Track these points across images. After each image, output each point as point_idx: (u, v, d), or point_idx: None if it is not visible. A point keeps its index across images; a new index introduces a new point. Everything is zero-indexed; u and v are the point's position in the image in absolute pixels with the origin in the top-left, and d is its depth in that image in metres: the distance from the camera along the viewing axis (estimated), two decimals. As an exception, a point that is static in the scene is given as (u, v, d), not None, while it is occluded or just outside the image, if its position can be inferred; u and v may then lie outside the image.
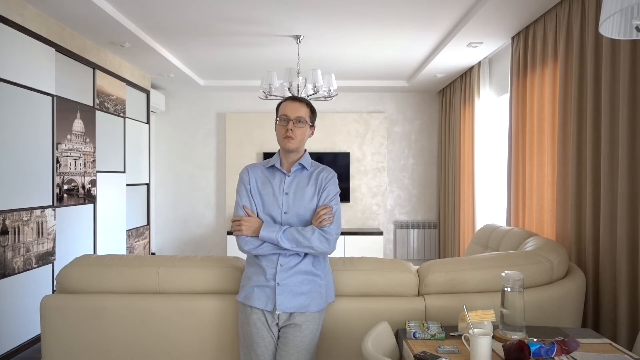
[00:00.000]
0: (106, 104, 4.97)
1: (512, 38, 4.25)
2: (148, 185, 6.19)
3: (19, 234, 3.55)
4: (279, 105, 2.09)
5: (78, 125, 4.40)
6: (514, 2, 3.46)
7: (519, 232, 3.28)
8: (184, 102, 7.11)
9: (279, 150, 2.11)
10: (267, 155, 6.66)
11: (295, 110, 2.02)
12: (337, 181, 2.09)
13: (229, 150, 6.98)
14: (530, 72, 3.83)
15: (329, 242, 1.97)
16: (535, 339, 1.71)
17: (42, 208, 3.84)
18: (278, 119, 2.05)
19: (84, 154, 4.49)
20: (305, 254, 2.00)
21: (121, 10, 3.91)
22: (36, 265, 3.76)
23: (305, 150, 2.13)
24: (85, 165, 4.51)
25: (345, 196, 6.90)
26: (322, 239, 1.95)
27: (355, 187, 6.99)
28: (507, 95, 4.43)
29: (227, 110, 7.11)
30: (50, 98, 3.94)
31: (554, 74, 3.47)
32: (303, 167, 2.08)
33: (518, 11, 3.64)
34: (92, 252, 4.69)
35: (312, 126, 2.10)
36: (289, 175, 2.06)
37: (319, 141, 6.92)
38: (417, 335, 1.89)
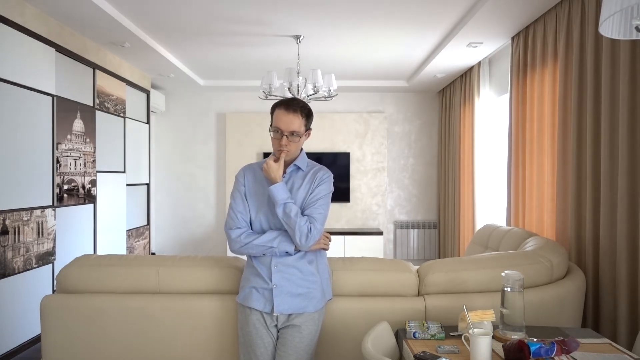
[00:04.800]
0: (106, 104, 4.97)
1: (512, 38, 4.26)
2: (148, 185, 6.20)
3: (19, 234, 3.55)
4: (273, 108, 2.02)
5: (78, 125, 4.40)
6: (514, 2, 3.46)
7: (519, 232, 3.28)
8: (184, 102, 7.11)
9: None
10: (267, 156, 6.64)
11: (289, 124, 1.95)
12: (332, 182, 2.06)
13: (229, 150, 6.98)
14: (530, 72, 3.83)
15: (310, 233, 1.92)
16: (535, 339, 1.71)
17: (42, 208, 3.84)
18: (272, 129, 1.99)
19: (84, 154, 4.49)
20: (297, 252, 1.99)
21: (121, 10, 3.91)
22: (36, 265, 3.76)
23: (302, 149, 2.10)
24: (85, 165, 4.52)
25: (345, 196, 6.91)
26: (307, 229, 1.91)
27: (355, 187, 6.99)
28: (507, 95, 4.43)
29: (227, 110, 7.11)
30: (50, 98, 3.94)
31: (554, 74, 3.47)
32: (298, 168, 2.06)
33: (518, 11, 3.64)
34: (92, 252, 4.69)
35: (309, 130, 2.05)
36: (284, 176, 2.03)
37: (319, 141, 6.92)
38: (417, 335, 1.89)
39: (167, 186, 7.11)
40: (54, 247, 3.99)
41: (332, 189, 2.06)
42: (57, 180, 4.05)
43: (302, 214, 1.96)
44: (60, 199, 4.09)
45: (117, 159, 5.24)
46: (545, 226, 3.55)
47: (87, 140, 4.56)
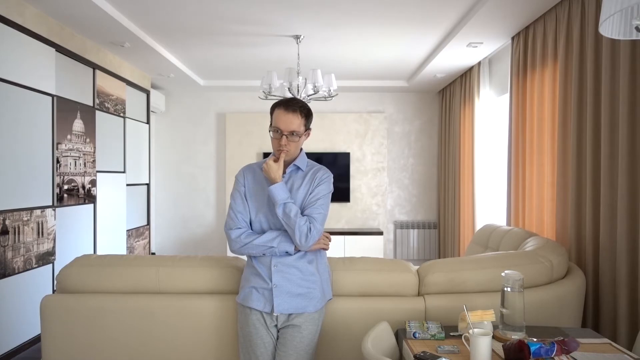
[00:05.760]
0: (106, 104, 4.97)
1: (512, 38, 4.26)
2: (148, 185, 6.20)
3: (19, 234, 3.55)
4: (273, 108, 2.02)
5: (78, 125, 4.40)
6: (514, 2, 3.46)
7: (519, 232, 3.28)
8: (184, 102, 7.11)
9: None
10: (267, 156, 6.62)
11: (289, 124, 1.95)
12: (331, 181, 2.06)
13: (229, 150, 6.98)
14: (530, 72, 3.83)
15: (310, 233, 1.92)
16: (535, 339, 1.71)
17: (42, 208, 3.84)
18: (272, 129, 1.99)
19: (84, 154, 4.49)
20: (297, 252, 1.99)
21: (121, 10, 3.91)
22: (36, 265, 3.76)
23: (302, 149, 2.10)
24: (85, 165, 4.52)
25: (345, 196, 6.91)
26: (307, 229, 1.91)
27: (355, 187, 6.99)
28: (507, 95, 4.43)
29: (227, 110, 7.11)
30: (50, 98, 3.94)
31: (554, 74, 3.47)
32: (298, 168, 2.06)
33: (518, 11, 3.64)
34: (92, 252, 4.69)
35: (308, 130, 2.05)
36: (283, 176, 2.03)
37: (319, 141, 6.92)
38: (417, 335, 1.89)
39: (167, 186, 7.11)
40: (54, 247, 3.99)
41: (331, 188, 2.06)
42: (57, 180, 4.05)
43: (302, 213, 1.96)
44: (60, 199, 4.09)
45: (117, 159, 5.24)
46: (545, 226, 3.55)
47: (87, 140, 4.56)
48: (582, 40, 3.07)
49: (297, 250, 1.98)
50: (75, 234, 4.38)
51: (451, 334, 1.92)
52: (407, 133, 7.14)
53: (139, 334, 2.23)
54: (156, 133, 7.01)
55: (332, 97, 4.62)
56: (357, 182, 7.00)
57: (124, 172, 5.39)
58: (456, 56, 5.02)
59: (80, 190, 4.44)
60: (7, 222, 3.42)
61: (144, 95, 6.10)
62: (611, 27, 1.65)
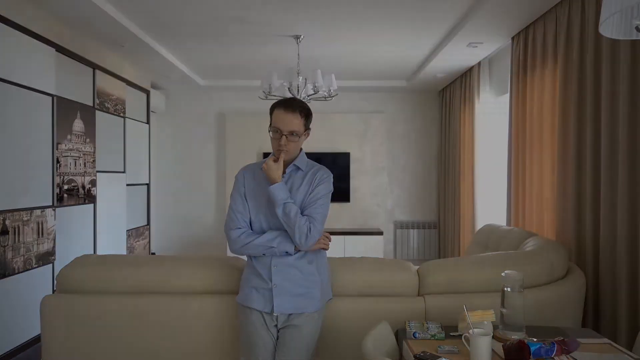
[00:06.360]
0: (106, 104, 4.97)
1: (512, 38, 4.25)
2: (148, 185, 6.20)
3: (19, 234, 3.55)
4: (272, 108, 2.02)
5: (78, 125, 4.40)
6: (514, 2, 3.46)
7: (519, 232, 3.28)
8: (184, 102, 7.11)
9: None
10: (267, 156, 6.61)
11: (288, 124, 1.95)
12: (331, 181, 2.06)
13: (229, 150, 6.98)
14: (530, 72, 3.83)
15: (310, 232, 1.92)
16: (535, 339, 1.71)
17: (42, 208, 3.84)
18: (271, 129, 1.99)
19: (84, 154, 4.49)
20: (297, 252, 1.99)
21: (121, 10, 3.91)
22: (36, 265, 3.76)
23: (301, 149, 2.10)
24: (85, 165, 4.52)
25: (345, 196, 6.90)
26: (307, 229, 1.92)
27: (355, 187, 6.99)
28: (507, 96, 4.42)
29: (227, 110, 7.11)
30: (50, 98, 3.94)
31: (554, 74, 3.47)
32: (298, 168, 2.06)
33: (518, 11, 3.64)
34: (92, 252, 4.69)
35: (308, 130, 2.05)
36: (283, 176, 2.03)
37: (319, 141, 6.90)
38: (417, 335, 1.89)
39: (167, 186, 7.11)
40: (54, 247, 3.99)
41: (331, 188, 2.06)
42: (57, 180, 4.05)
43: (302, 213, 1.96)
44: (60, 199, 4.09)
45: (117, 159, 5.24)
46: (545, 226, 3.55)
47: (87, 140, 4.56)
48: (582, 40, 3.07)
49: (297, 250, 1.98)
50: (75, 234, 4.37)
51: (451, 334, 1.92)
52: (407, 133, 7.14)
53: (138, 334, 2.23)
54: (156, 133, 7.01)
55: (332, 97, 4.62)
56: (357, 182, 6.99)
57: (123, 172, 5.39)
58: (456, 56, 5.02)
59: (80, 190, 4.44)
60: (7, 222, 3.42)
61: (144, 95, 6.10)
62: (611, 27, 1.64)
